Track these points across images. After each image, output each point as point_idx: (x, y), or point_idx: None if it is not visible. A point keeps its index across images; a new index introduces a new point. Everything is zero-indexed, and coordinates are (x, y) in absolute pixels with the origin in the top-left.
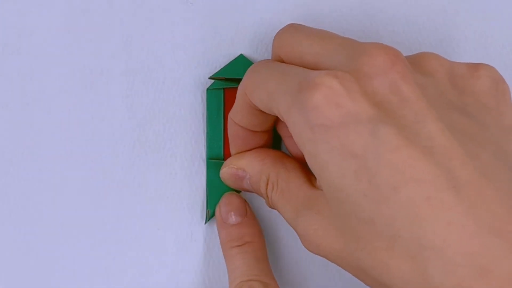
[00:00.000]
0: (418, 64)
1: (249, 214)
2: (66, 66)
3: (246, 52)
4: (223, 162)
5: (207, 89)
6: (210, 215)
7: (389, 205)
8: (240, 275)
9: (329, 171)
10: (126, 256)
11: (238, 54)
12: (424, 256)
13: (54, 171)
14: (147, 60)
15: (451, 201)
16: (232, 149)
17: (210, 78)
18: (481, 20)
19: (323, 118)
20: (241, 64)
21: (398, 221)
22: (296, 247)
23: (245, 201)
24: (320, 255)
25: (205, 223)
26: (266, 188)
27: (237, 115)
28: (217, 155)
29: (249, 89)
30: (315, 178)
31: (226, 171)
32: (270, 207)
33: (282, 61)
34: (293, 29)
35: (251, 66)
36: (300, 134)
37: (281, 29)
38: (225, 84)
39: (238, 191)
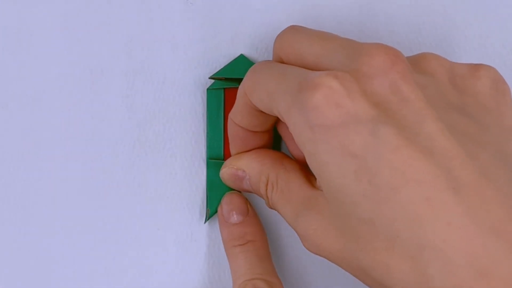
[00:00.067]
0: (418, 64)
1: (251, 213)
2: (66, 66)
3: (246, 52)
4: (223, 162)
5: (207, 89)
6: (209, 215)
7: (389, 205)
8: (243, 274)
9: (329, 171)
10: (126, 256)
11: (238, 54)
12: (424, 256)
13: (54, 171)
14: (147, 60)
15: (451, 202)
16: (232, 150)
17: (210, 78)
18: (481, 20)
19: (323, 118)
20: (241, 64)
21: (398, 222)
22: (298, 246)
23: (247, 200)
24: (320, 255)
25: (205, 222)
26: (266, 189)
27: (237, 115)
28: (217, 155)
29: (249, 90)
30: (315, 179)
31: (226, 171)
32: (270, 207)
33: (283, 62)
34: (294, 31)
35: (251, 67)
36: (300, 134)
37: (282, 31)
38: (225, 84)
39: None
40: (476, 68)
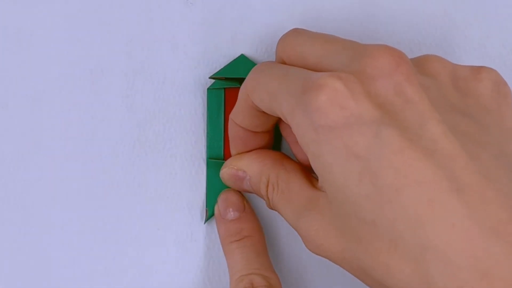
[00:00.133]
0: (421, 66)
1: (247, 209)
2: (66, 66)
3: (246, 52)
4: (223, 162)
5: (208, 89)
6: (209, 215)
7: (392, 207)
8: (240, 269)
9: (332, 172)
10: (126, 256)
11: (238, 54)
12: (426, 258)
13: (54, 171)
14: (147, 60)
15: (454, 203)
16: (233, 150)
17: (211, 77)
18: (481, 20)
19: (327, 119)
20: (242, 64)
21: (400, 223)
22: (296, 242)
23: (243, 196)
24: (322, 256)
25: (204, 222)
26: (267, 190)
27: (238, 115)
28: (217, 155)
29: (251, 90)
30: (316, 179)
31: (226, 171)
32: (271, 208)
33: (285, 64)
34: (296, 33)
35: (254, 67)
36: (304, 135)
37: (284, 34)
38: (226, 84)
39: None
40: (478, 70)
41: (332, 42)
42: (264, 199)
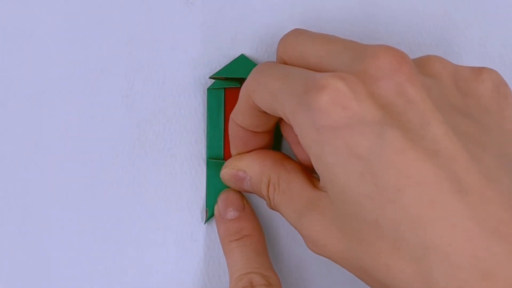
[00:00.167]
0: (422, 66)
1: (247, 208)
2: (66, 66)
3: (246, 52)
4: (223, 162)
5: (208, 89)
6: (209, 215)
7: (394, 207)
8: (239, 269)
9: (334, 172)
10: (126, 256)
11: (238, 54)
12: (428, 259)
13: (54, 171)
14: (147, 60)
15: (455, 204)
16: (233, 150)
17: (211, 77)
18: (481, 20)
19: (329, 120)
20: (242, 64)
21: (402, 224)
22: (296, 244)
23: (243, 196)
24: (324, 256)
25: (204, 223)
26: (268, 190)
27: (239, 116)
28: (217, 155)
29: (252, 90)
30: (317, 179)
31: (227, 172)
32: (272, 208)
33: (286, 64)
34: (297, 33)
35: (255, 67)
36: (306, 136)
37: (285, 34)
38: (226, 84)
39: None
40: (479, 71)
41: (333, 42)
42: (265, 200)
